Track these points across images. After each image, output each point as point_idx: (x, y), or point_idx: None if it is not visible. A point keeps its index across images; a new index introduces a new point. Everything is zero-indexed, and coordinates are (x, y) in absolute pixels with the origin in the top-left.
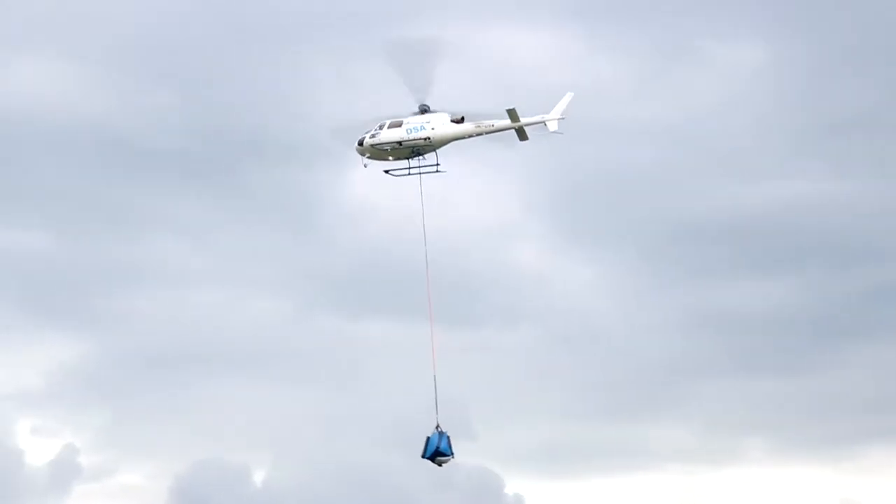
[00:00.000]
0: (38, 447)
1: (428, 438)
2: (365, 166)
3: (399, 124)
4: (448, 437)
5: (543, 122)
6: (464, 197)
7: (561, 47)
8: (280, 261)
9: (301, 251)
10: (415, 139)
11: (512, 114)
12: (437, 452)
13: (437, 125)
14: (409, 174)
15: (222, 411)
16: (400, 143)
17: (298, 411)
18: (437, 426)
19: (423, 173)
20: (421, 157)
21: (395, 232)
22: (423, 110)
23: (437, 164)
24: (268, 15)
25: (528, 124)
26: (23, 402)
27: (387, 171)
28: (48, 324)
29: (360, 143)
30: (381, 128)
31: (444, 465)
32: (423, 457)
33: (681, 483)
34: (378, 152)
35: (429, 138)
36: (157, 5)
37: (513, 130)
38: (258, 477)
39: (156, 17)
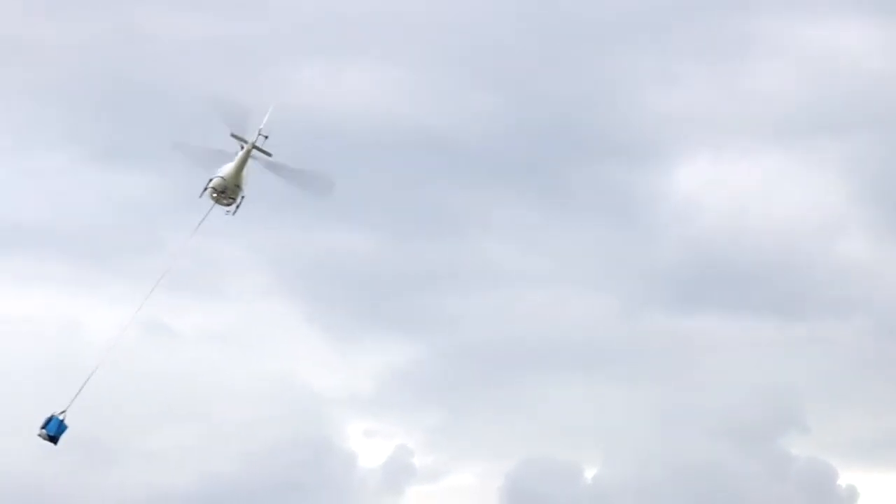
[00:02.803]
0: (371, 449)
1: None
2: None
3: None
4: (60, 423)
5: None
6: (787, 190)
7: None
8: (607, 259)
9: (628, 248)
10: None
11: None
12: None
13: None
14: None
15: (552, 410)
16: None
17: (629, 408)
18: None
19: None
20: None
21: (722, 227)
22: None
23: None
24: (590, 9)
25: None
26: (355, 406)
27: None
28: (379, 327)
29: None
30: None
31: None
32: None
33: None
34: None
35: None
36: (478, 4)
37: None
38: (589, 474)
39: (477, 16)
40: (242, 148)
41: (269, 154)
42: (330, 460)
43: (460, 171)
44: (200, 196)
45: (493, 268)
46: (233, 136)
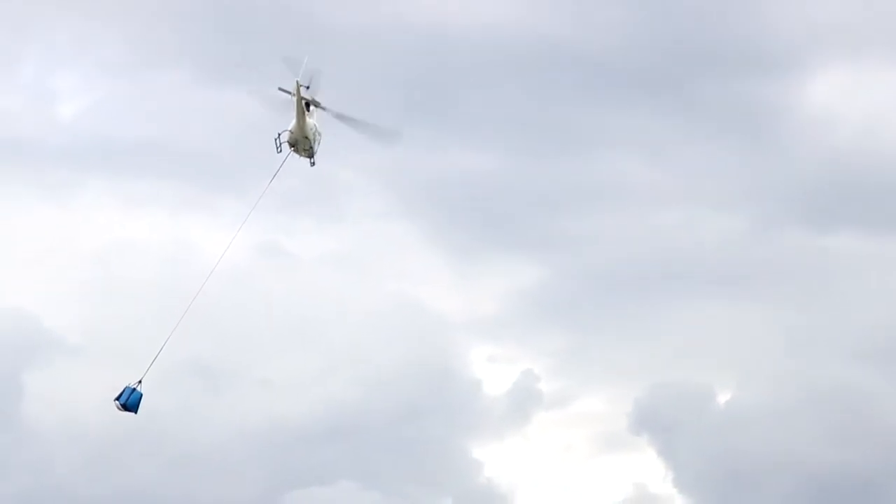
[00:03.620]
0: (495, 375)
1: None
2: None
3: None
4: (139, 396)
5: None
6: None
7: None
8: (739, 175)
9: (761, 164)
10: None
11: None
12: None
13: None
14: None
15: (683, 333)
16: None
17: (763, 330)
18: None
19: None
20: None
21: (860, 141)
22: None
23: None
24: None
25: None
26: (478, 330)
27: None
28: (502, 248)
29: None
30: None
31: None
32: (118, 400)
33: None
34: None
35: None
36: None
37: None
38: (722, 398)
39: None
40: (302, 99)
41: (318, 105)
42: (453, 387)
43: (588, 86)
44: (278, 151)
45: (622, 186)
46: (280, 89)
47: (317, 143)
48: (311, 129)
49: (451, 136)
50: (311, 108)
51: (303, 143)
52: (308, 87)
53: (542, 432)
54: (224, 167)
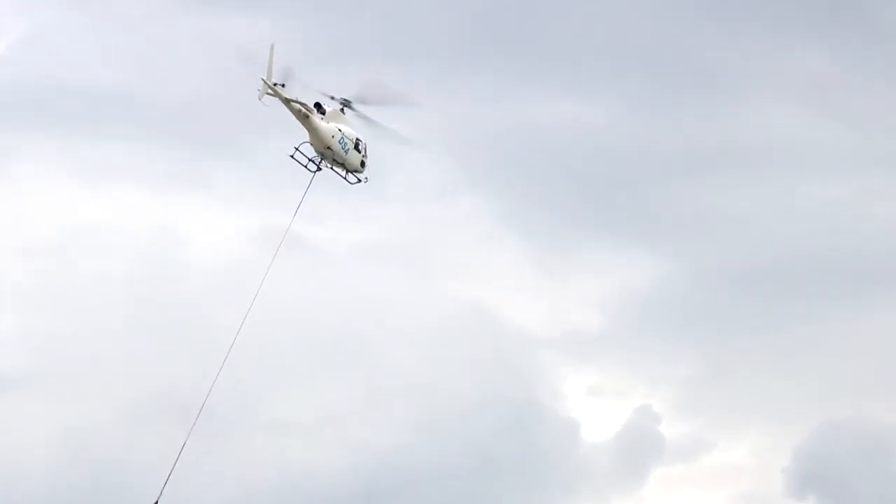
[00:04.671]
0: (598, 413)
1: None
2: None
3: None
4: None
5: None
6: None
7: None
8: None
9: None
10: None
11: None
12: None
13: None
14: None
15: (861, 351)
16: None
17: None
18: None
19: None
20: None
21: None
22: None
23: None
24: None
25: None
26: (573, 349)
27: None
28: (603, 234)
29: None
30: None
31: None
32: None
33: None
34: None
35: None
36: None
37: None
38: None
39: None
40: (288, 102)
41: (349, 105)
42: (539, 430)
43: (729, 11)
44: (312, 170)
45: (769, 146)
46: (267, 93)
47: (352, 150)
48: (336, 136)
49: (532, 81)
50: (344, 110)
51: (329, 155)
52: (283, 85)
53: (663, 493)
54: (216, 125)
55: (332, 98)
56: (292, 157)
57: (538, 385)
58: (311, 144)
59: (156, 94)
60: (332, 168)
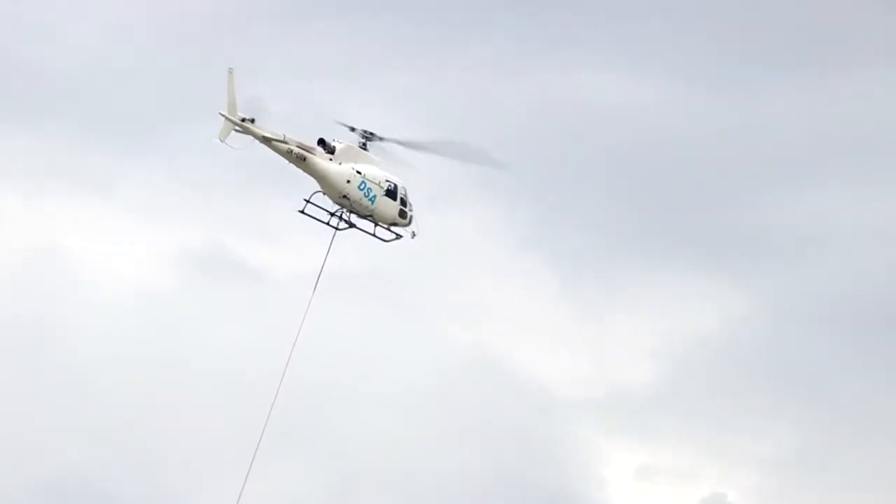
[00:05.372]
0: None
1: None
2: None
3: None
4: None
5: None
6: None
7: None
8: None
9: None
10: None
11: None
12: None
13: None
14: None
15: None
16: None
17: None
18: None
19: None
20: None
21: None
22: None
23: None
24: None
25: None
26: (614, 414)
27: None
28: (654, 257)
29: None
30: None
31: None
32: None
33: None
34: None
35: None
36: None
37: None
38: None
39: None
40: (269, 141)
41: (372, 137)
42: None
43: None
44: (335, 226)
45: (889, 138)
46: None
47: (381, 197)
48: (353, 180)
49: (557, 48)
50: (367, 144)
51: (347, 205)
52: (252, 120)
53: None
54: (120, 105)
55: (352, 129)
56: (303, 212)
57: (571, 466)
58: (325, 193)
59: (36, 61)
60: (354, 223)
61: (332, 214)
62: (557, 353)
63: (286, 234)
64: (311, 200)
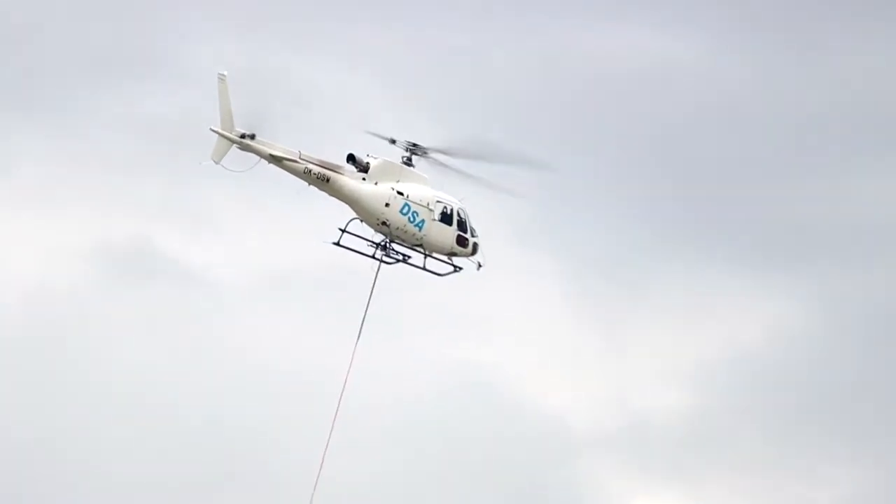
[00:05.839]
0: None
1: None
2: None
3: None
4: None
5: None
6: None
7: None
8: None
9: None
10: None
11: None
12: None
13: None
14: None
15: None
16: None
17: None
18: None
19: None
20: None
21: None
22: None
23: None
24: None
25: None
26: (636, 453)
27: None
28: (699, 252)
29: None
30: None
31: None
32: None
33: None
34: None
35: None
36: None
37: None
38: None
39: None
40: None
41: (418, 151)
42: None
43: None
44: (378, 257)
45: None
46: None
47: (431, 222)
48: (393, 203)
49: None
50: (413, 159)
51: (388, 233)
52: (253, 136)
53: None
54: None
55: (392, 141)
56: (338, 244)
57: None
58: (362, 220)
59: None
60: (405, 254)
61: (377, 245)
62: (564, 376)
63: (227, 224)
64: (346, 230)
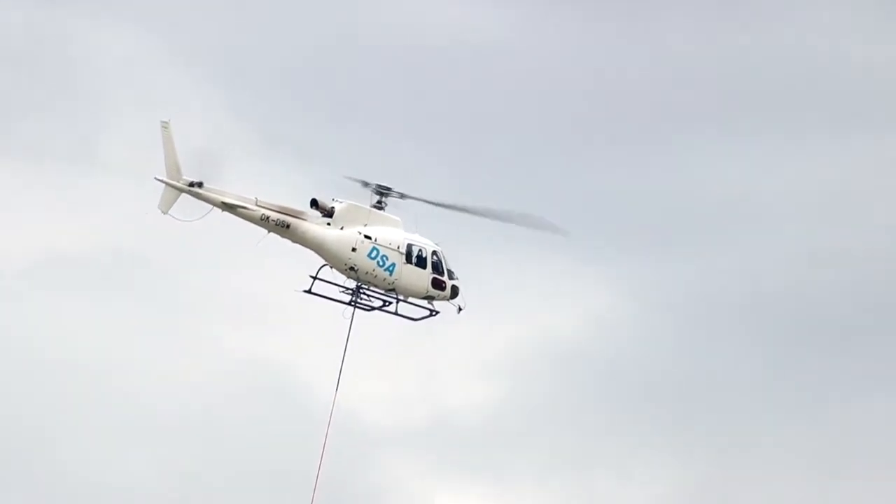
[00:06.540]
0: None
1: None
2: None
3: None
4: None
5: None
6: None
7: None
8: None
9: None
10: None
11: None
12: None
13: None
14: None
15: None
16: None
17: None
18: None
19: None
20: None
21: None
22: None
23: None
24: None
25: None
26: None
27: None
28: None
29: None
30: None
31: None
32: None
33: None
34: None
35: None
36: None
37: None
38: None
39: None
40: (234, 208)
41: (387, 192)
42: None
43: None
44: (356, 304)
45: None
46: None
47: (403, 265)
48: (360, 247)
49: None
50: (382, 201)
51: (356, 278)
52: (201, 184)
53: None
54: None
55: (365, 184)
56: (309, 291)
57: None
58: (331, 266)
59: None
60: (383, 299)
61: (353, 291)
62: (361, 370)
63: None
64: (318, 276)
